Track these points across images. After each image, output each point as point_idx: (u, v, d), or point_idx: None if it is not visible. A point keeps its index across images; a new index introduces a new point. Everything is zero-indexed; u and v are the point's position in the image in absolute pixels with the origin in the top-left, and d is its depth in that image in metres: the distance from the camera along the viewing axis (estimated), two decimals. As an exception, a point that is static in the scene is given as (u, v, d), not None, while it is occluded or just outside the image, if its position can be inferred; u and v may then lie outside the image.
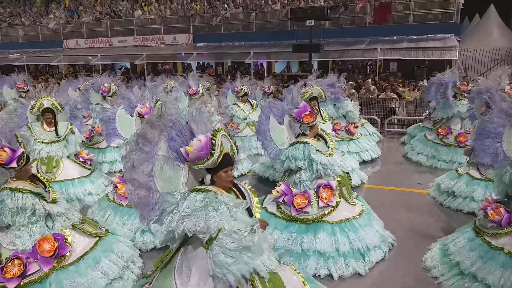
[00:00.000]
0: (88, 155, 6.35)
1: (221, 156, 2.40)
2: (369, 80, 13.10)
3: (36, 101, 5.66)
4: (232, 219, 2.25)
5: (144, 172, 2.32)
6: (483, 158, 3.68)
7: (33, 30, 23.73)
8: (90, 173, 6.07)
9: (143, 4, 21.76)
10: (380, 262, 4.01)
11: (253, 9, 18.71)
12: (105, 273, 3.37)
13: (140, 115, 4.78)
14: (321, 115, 6.35)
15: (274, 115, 4.45)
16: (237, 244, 2.21)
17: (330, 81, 7.39)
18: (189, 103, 8.50)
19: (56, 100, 5.74)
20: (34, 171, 5.19)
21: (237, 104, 8.98)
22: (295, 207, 4.07)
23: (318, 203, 4.09)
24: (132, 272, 3.66)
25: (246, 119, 8.79)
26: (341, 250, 3.83)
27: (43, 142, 5.70)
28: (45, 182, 3.59)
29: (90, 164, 6.33)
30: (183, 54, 19.01)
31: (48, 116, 5.73)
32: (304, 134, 4.39)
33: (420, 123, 9.52)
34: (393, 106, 11.44)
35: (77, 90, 9.42)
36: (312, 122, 4.29)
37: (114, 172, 7.01)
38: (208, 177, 2.48)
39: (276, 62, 20.29)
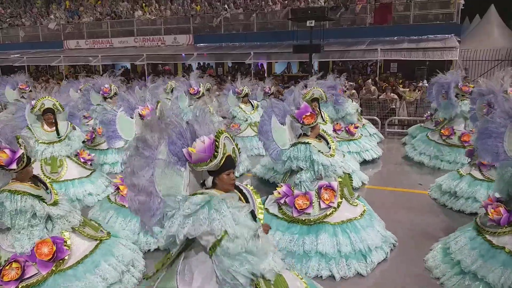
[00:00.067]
0: (89, 155, 6.35)
1: (224, 159, 2.36)
2: (370, 80, 13.09)
3: (38, 101, 5.65)
4: (234, 223, 2.22)
5: (144, 177, 2.28)
6: (484, 157, 3.72)
7: (34, 31, 23.73)
8: (90, 174, 6.06)
9: (144, 4, 21.78)
10: (381, 262, 4.02)
11: (254, 9, 18.72)
12: (104, 277, 3.32)
13: (142, 117, 4.75)
14: (322, 116, 6.36)
15: (276, 116, 4.43)
16: (240, 249, 2.19)
17: (331, 83, 7.39)
18: (190, 102, 8.51)
19: (57, 101, 5.73)
20: (38, 172, 5.23)
21: (239, 106, 8.99)
22: (296, 208, 4.07)
23: (319, 204, 4.09)
24: (132, 276, 3.61)
25: (247, 120, 8.80)
26: (343, 251, 3.84)
27: (44, 143, 5.69)
28: (47, 184, 3.56)
29: (90, 165, 6.33)
30: (183, 54, 19.02)
31: (49, 116, 5.72)
32: (305, 135, 4.39)
33: (422, 124, 9.47)
34: (394, 106, 11.41)
35: (79, 91, 9.40)
36: (312, 123, 4.29)
37: (116, 173, 6.98)
38: (209, 180, 2.43)
39: (276, 62, 20.30)
